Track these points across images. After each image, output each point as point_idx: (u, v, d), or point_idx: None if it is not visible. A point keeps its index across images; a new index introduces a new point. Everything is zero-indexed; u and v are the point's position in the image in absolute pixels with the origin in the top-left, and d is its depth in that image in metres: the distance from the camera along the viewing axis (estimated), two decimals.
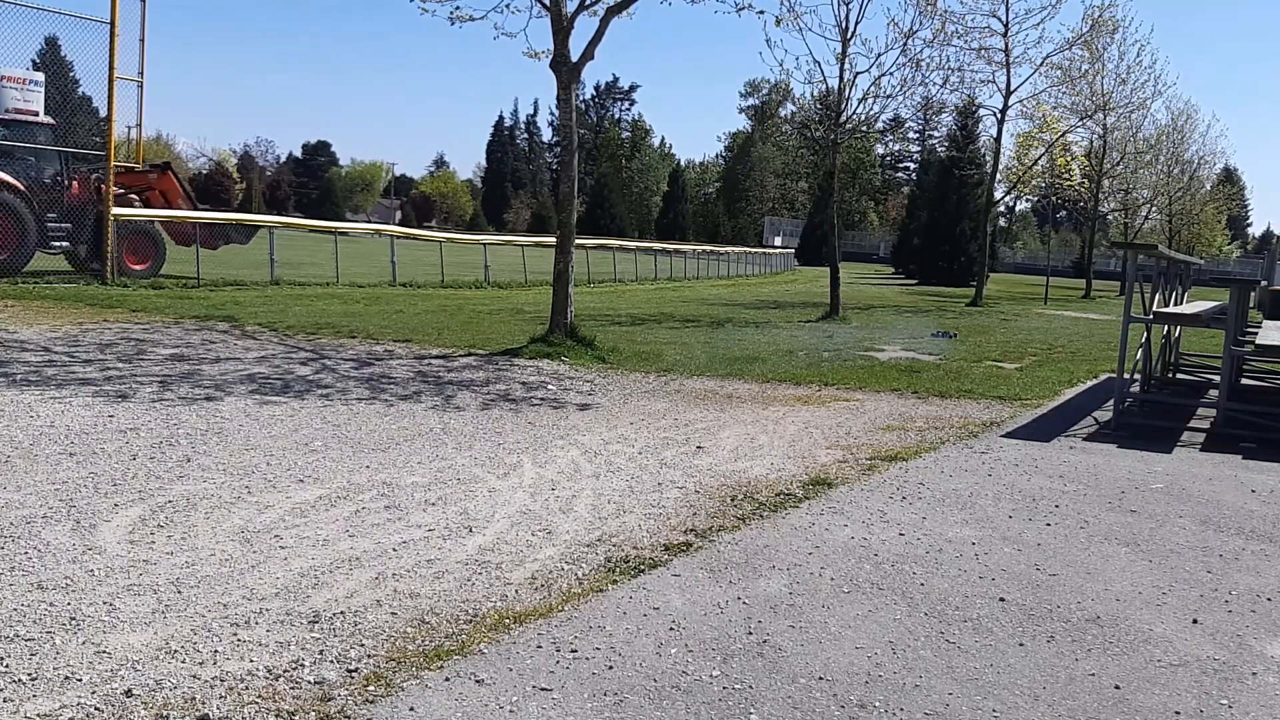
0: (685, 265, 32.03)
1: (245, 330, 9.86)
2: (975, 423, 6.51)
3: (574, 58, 9.50)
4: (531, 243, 25.65)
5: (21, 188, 14.36)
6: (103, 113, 14.35)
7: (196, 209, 17.92)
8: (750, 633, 2.86)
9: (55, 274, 13.88)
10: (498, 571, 3.29)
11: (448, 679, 2.48)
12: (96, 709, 2.25)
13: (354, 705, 2.33)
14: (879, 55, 18.99)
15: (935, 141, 76.24)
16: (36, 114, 13.51)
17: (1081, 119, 28.11)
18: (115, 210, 14.30)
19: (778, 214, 78.43)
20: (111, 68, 13.73)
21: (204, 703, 2.30)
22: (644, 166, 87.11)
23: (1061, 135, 27.35)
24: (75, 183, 15.25)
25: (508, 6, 9.76)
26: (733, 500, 4.30)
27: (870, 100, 16.46)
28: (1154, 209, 38.02)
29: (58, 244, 14.86)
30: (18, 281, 12.69)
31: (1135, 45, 28.72)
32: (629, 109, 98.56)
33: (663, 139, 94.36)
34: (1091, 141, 32.54)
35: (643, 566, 3.38)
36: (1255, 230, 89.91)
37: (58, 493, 3.89)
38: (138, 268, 15.54)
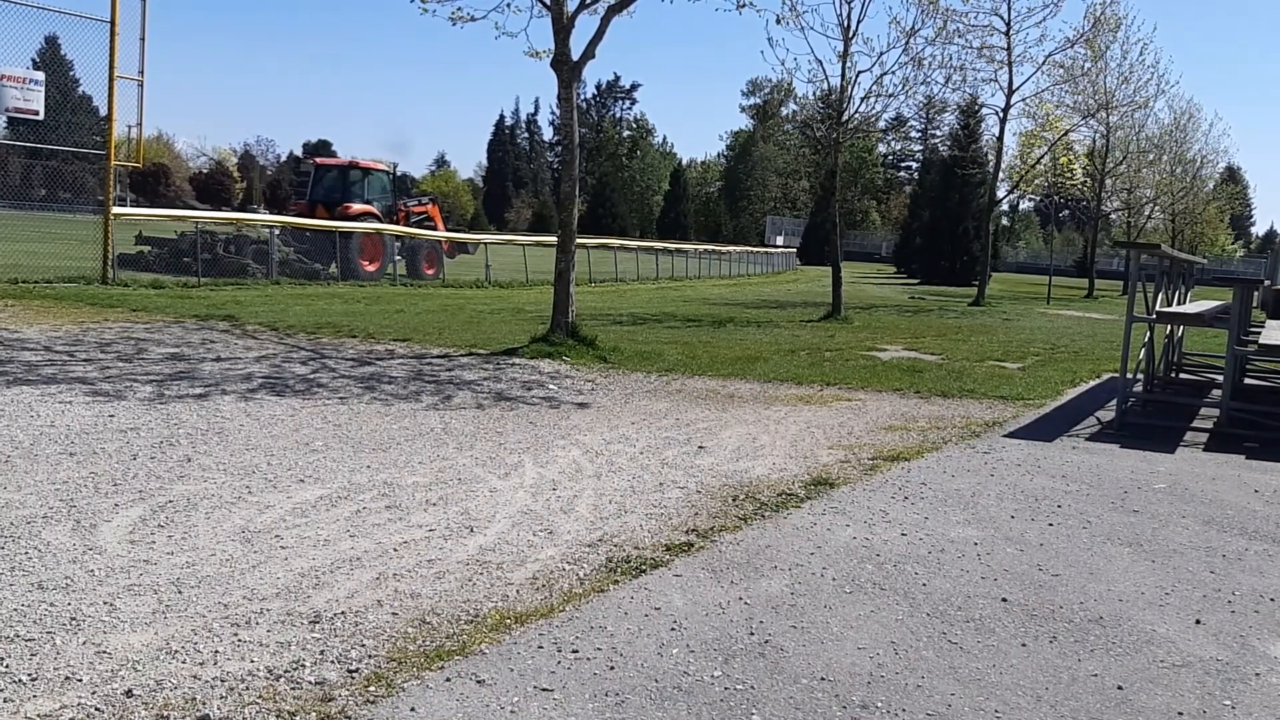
0: (687, 265, 32.04)
1: (245, 330, 9.86)
2: (977, 422, 6.49)
3: (575, 57, 9.49)
4: (532, 242, 25.62)
5: (381, 216, 20.02)
6: (103, 112, 14.38)
7: (446, 229, 23.84)
8: (752, 633, 2.85)
9: (56, 274, 13.88)
10: (499, 571, 3.28)
11: (448, 679, 2.47)
12: (97, 709, 2.25)
13: (355, 705, 2.32)
14: (881, 54, 18.69)
15: (937, 140, 76.16)
16: (37, 113, 13.58)
17: (1084, 117, 28.07)
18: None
19: (779, 213, 78.39)
20: (112, 67, 13.72)
21: (204, 703, 2.30)
22: (645, 165, 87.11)
23: (1064, 134, 27.29)
24: (400, 213, 21.02)
25: (509, 6, 9.76)
26: (734, 500, 4.29)
27: (872, 99, 16.44)
28: (1157, 208, 38.00)
29: (397, 258, 19.56)
30: (18, 281, 12.70)
31: (1138, 44, 28.65)
32: (630, 108, 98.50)
33: (665, 138, 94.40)
34: (1094, 140, 32.52)
35: (644, 566, 3.37)
36: (1259, 229, 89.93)
37: (58, 492, 3.89)
38: (429, 272, 20.64)
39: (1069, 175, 29.44)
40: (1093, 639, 2.93)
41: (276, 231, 17.55)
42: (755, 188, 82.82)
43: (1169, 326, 8.41)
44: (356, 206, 19.72)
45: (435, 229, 21.88)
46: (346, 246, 18.29)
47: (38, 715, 2.21)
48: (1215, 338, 11.29)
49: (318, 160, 23.18)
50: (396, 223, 20.51)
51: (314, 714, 2.27)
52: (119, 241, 14.88)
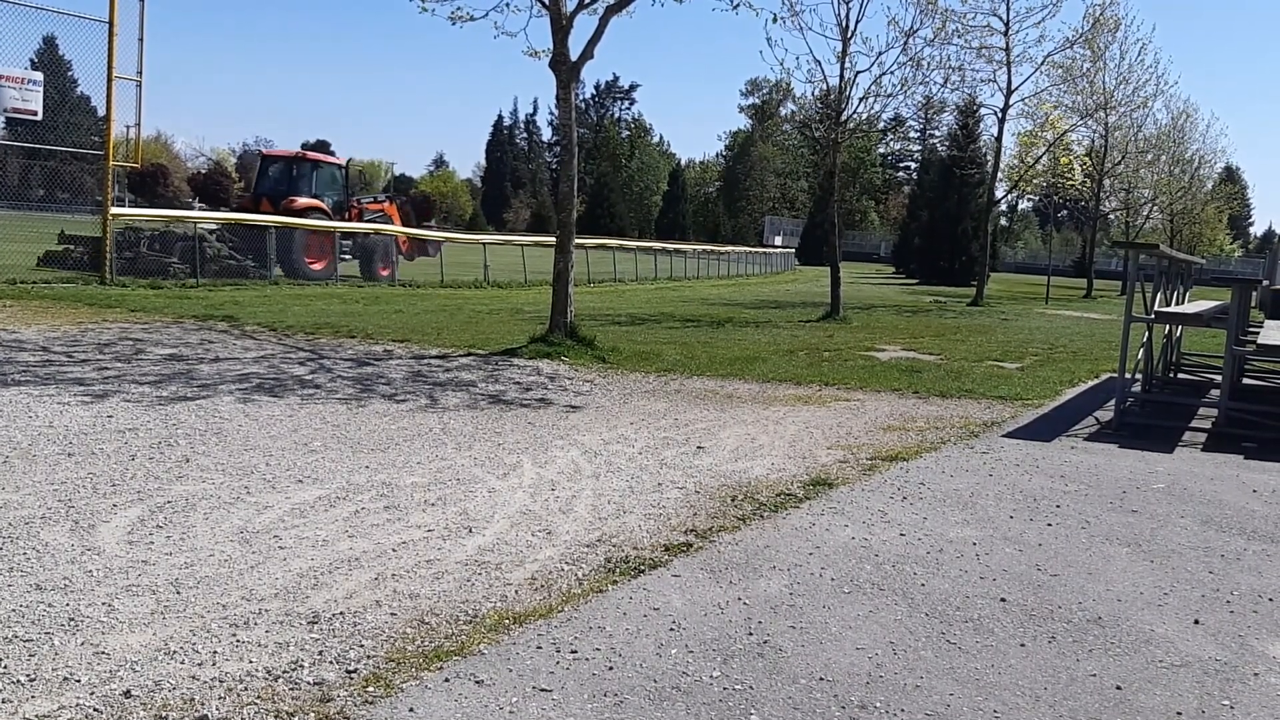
0: (685, 265, 32.01)
1: (244, 330, 9.86)
2: (976, 423, 6.50)
3: (573, 57, 9.49)
4: (531, 242, 25.61)
5: (329, 212, 18.81)
6: (101, 112, 14.38)
7: (410, 227, 22.08)
8: (750, 633, 2.85)
9: (55, 274, 13.88)
10: (497, 572, 3.28)
11: (447, 680, 2.47)
12: (95, 710, 2.24)
13: (353, 706, 2.32)
14: (880, 54, 18.70)
15: (936, 141, 76.15)
16: (35, 113, 13.58)
17: (1083, 118, 28.10)
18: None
19: (778, 213, 78.37)
20: (110, 67, 13.71)
21: (203, 704, 2.29)
22: (644, 166, 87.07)
23: (1063, 134, 27.30)
24: (353, 209, 19.80)
25: (508, 6, 9.76)
26: (733, 500, 4.29)
27: (871, 99, 16.45)
28: (1155, 208, 38.01)
29: (346, 256, 18.60)
30: (17, 281, 12.69)
31: (1137, 44, 28.69)
32: (629, 108, 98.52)
33: (661, 137, 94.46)
34: (1093, 140, 32.54)
35: (643, 567, 3.37)
36: (1257, 229, 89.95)
37: (56, 493, 3.89)
38: (384, 273, 19.13)
39: (1068, 175, 29.43)
40: (1091, 639, 2.94)
41: (211, 229, 16.39)
42: (754, 188, 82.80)
43: (1167, 327, 8.41)
44: (302, 201, 18.53)
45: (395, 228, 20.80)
46: (289, 243, 17.17)
47: (36, 716, 2.21)
48: (1214, 338, 11.30)
49: (264, 151, 21.96)
50: (348, 219, 19.41)
51: (312, 714, 2.27)
52: (45, 239, 14.56)
